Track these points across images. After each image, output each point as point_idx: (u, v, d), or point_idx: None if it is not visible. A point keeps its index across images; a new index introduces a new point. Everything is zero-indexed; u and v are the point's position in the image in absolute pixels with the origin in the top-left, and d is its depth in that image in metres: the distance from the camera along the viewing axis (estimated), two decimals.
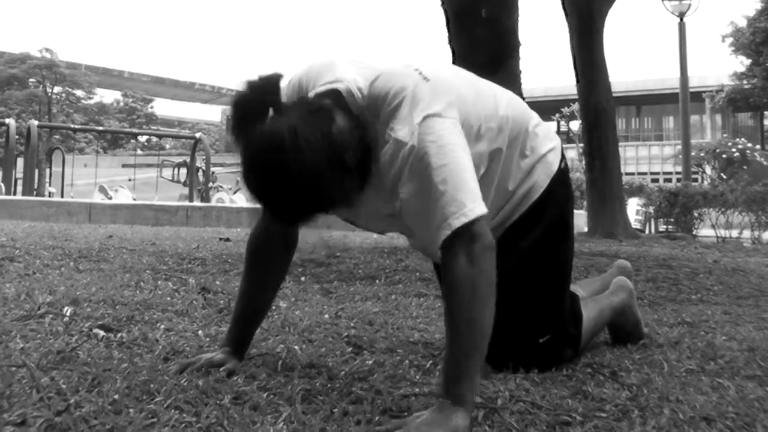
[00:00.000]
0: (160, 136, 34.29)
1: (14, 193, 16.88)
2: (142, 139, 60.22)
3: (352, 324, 2.44)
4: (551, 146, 1.89)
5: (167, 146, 51.90)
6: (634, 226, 11.69)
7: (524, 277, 1.84)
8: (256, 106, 1.39)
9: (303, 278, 3.64)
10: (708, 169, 30.07)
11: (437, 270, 1.92)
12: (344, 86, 1.55)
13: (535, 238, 1.86)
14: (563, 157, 1.94)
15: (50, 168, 19.61)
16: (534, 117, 1.90)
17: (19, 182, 17.95)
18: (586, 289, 2.29)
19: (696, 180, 26.10)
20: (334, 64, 1.63)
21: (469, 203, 1.45)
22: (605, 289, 2.30)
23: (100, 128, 38.37)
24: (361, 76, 1.58)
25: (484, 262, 1.43)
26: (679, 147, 23.15)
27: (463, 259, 1.42)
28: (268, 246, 1.81)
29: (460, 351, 1.41)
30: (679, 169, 22.66)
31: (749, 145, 30.50)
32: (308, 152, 1.37)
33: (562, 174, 1.92)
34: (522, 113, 1.85)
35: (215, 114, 72.02)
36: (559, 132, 47.16)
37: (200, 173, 20.11)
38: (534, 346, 1.84)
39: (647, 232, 14.81)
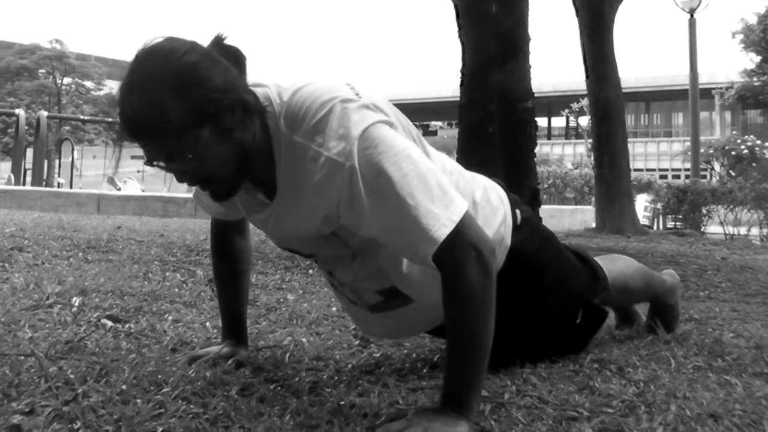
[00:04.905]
0: None
1: (23, 184, 16.95)
2: None
3: None
4: (500, 218, 1.71)
5: None
6: (642, 223, 11.66)
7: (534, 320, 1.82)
8: None
9: (311, 271, 3.64)
10: (717, 166, 29.94)
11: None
12: (262, 90, 1.43)
13: (523, 298, 1.76)
14: (515, 213, 1.78)
15: (59, 159, 19.69)
16: (479, 187, 1.71)
17: (29, 173, 18.04)
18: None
19: (705, 177, 25.95)
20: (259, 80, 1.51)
21: (446, 211, 1.32)
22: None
23: (110, 119, 38.22)
24: (286, 84, 1.46)
25: (492, 268, 1.36)
26: (688, 144, 23.07)
27: (475, 268, 1.32)
28: (228, 235, 1.82)
29: (472, 362, 1.34)
30: (688, 165, 22.60)
31: (758, 142, 30.34)
32: (189, 62, 1.29)
33: (523, 228, 1.77)
34: (467, 182, 1.68)
35: None
36: (568, 127, 47.17)
37: None
38: (574, 328, 1.90)
39: (655, 228, 14.73)
